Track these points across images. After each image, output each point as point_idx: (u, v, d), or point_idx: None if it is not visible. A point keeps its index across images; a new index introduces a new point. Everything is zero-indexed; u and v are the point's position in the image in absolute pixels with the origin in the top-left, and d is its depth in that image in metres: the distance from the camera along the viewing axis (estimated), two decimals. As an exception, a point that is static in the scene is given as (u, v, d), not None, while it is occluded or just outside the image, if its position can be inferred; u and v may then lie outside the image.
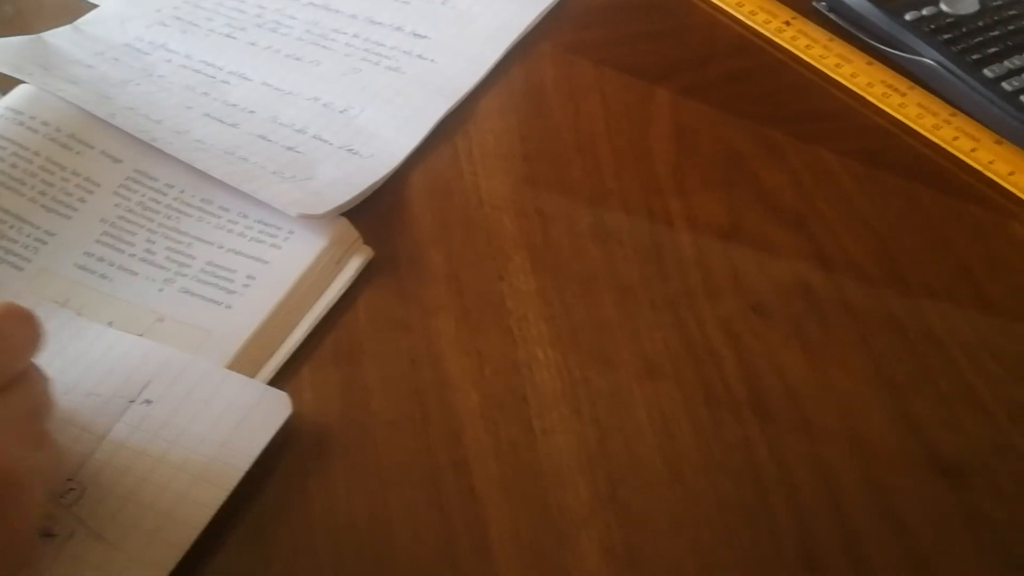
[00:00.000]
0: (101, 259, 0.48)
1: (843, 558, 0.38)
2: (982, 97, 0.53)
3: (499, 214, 0.50)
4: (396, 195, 0.51)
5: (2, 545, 0.34)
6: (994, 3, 0.58)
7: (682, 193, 0.51)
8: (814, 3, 0.61)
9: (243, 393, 0.42)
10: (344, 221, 0.49)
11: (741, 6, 0.61)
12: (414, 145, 0.53)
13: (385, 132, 0.54)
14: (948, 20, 0.57)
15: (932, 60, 0.55)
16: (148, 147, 0.51)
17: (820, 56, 0.57)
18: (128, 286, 0.47)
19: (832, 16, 0.60)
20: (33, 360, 0.38)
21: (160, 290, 0.47)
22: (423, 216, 0.50)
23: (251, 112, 0.55)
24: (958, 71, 0.54)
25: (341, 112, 0.55)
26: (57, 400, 0.39)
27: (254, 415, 0.42)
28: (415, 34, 0.61)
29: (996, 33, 0.56)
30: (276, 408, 0.42)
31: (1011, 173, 0.51)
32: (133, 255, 0.48)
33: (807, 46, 0.58)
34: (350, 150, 0.53)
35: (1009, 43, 0.55)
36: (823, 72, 0.57)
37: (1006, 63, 0.54)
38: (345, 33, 0.61)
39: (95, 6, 0.63)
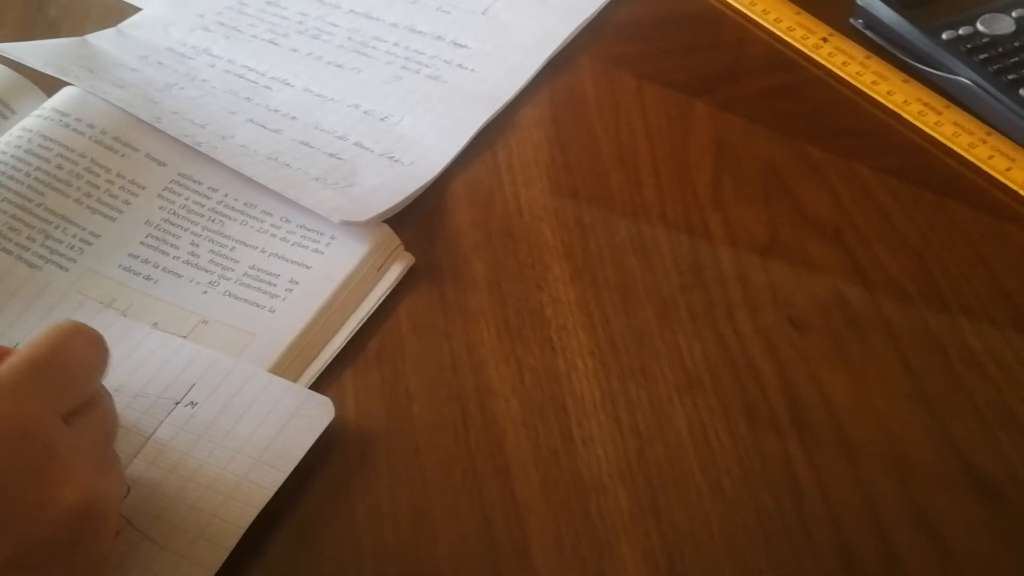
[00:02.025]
0: (146, 261, 0.48)
1: (880, 571, 0.38)
2: (1018, 117, 0.53)
3: (539, 223, 0.51)
4: (437, 203, 0.52)
5: (79, 572, 0.34)
6: (1031, 23, 0.58)
7: (721, 206, 0.51)
8: (851, 20, 0.61)
9: (287, 398, 0.43)
10: (386, 227, 0.49)
11: (779, 22, 0.61)
12: (454, 153, 0.54)
13: (426, 140, 0.55)
14: (984, 40, 0.57)
15: (968, 79, 0.56)
16: (192, 151, 0.52)
17: (857, 73, 0.58)
18: (173, 288, 0.47)
19: (869, 34, 0.60)
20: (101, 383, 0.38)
21: (204, 293, 0.47)
22: (464, 224, 0.51)
23: (293, 118, 0.56)
24: (994, 91, 0.55)
25: (382, 119, 0.56)
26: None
27: (297, 419, 0.42)
28: (456, 43, 0.61)
29: (1032, 53, 0.56)
30: (319, 413, 0.42)
31: (1047, 193, 0.51)
32: (177, 258, 0.49)
33: (844, 63, 0.58)
34: (391, 157, 0.54)
35: (1045, 64, 0.56)
36: (860, 89, 0.57)
37: (1042, 83, 0.55)
38: (386, 41, 0.61)
39: (139, 9, 0.64)
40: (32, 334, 0.36)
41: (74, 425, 0.35)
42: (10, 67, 0.56)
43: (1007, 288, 0.47)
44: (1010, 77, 0.55)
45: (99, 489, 0.34)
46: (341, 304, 0.47)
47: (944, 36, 0.57)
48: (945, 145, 0.54)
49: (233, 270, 0.48)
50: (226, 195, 0.51)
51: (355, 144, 0.54)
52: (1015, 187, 0.51)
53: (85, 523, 0.33)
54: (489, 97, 0.57)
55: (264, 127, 0.55)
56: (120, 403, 0.42)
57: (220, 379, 0.43)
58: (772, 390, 0.44)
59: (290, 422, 0.42)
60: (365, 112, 0.57)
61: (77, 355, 0.37)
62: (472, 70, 0.59)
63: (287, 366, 0.45)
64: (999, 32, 0.57)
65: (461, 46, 0.61)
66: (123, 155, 0.52)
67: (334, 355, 0.45)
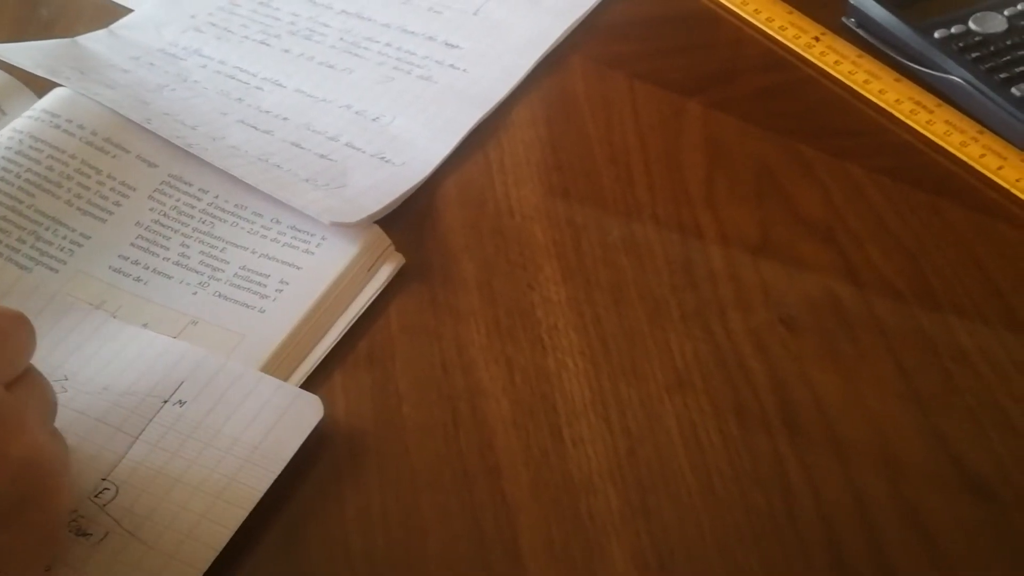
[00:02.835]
0: (136, 262, 0.48)
1: (871, 571, 0.38)
2: (1010, 115, 0.53)
3: (530, 224, 0.51)
4: (428, 203, 0.52)
5: (36, 531, 0.34)
6: (1023, 22, 0.58)
7: (713, 206, 0.51)
8: (843, 19, 0.61)
9: (276, 396, 0.43)
10: (376, 228, 0.49)
11: (771, 21, 0.61)
12: (446, 154, 0.54)
13: (417, 141, 0.54)
14: (976, 38, 0.57)
15: (960, 78, 0.56)
16: (183, 152, 0.52)
17: (849, 72, 0.58)
18: (162, 289, 0.47)
19: (861, 32, 0.60)
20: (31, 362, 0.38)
21: (194, 294, 0.47)
22: (455, 224, 0.51)
23: (284, 119, 0.56)
24: (986, 89, 0.54)
25: (374, 120, 0.56)
26: (76, 400, 0.40)
27: (287, 418, 0.42)
28: (447, 44, 0.61)
29: (1025, 52, 0.56)
30: (309, 411, 0.42)
31: (1039, 191, 0.51)
32: (167, 259, 0.49)
33: (836, 62, 0.58)
34: (383, 158, 0.53)
35: (1038, 62, 0.56)
36: (852, 88, 0.57)
37: (1034, 82, 0.55)
38: (378, 42, 0.61)
39: (130, 11, 0.64)
40: None
41: (15, 392, 0.35)
42: (1, 68, 0.56)
43: (999, 287, 0.47)
44: (1002, 76, 0.55)
45: (48, 447, 0.35)
46: (331, 305, 0.47)
47: (936, 35, 0.57)
48: (937, 144, 0.54)
49: (223, 271, 0.48)
50: (217, 196, 0.51)
51: (346, 145, 0.54)
52: (1007, 185, 0.51)
53: (35, 477, 0.34)
54: (481, 97, 0.57)
55: (255, 128, 0.55)
56: (107, 402, 0.42)
57: (209, 377, 0.43)
58: (763, 390, 0.44)
59: (280, 421, 0.42)
60: (357, 113, 0.57)
61: (6, 331, 0.37)
62: (464, 70, 0.59)
63: (277, 366, 0.44)
64: (991, 31, 0.57)
65: (453, 46, 0.61)
66: (114, 156, 0.52)
67: (324, 355, 0.45)
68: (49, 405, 0.38)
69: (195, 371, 0.43)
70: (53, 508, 0.35)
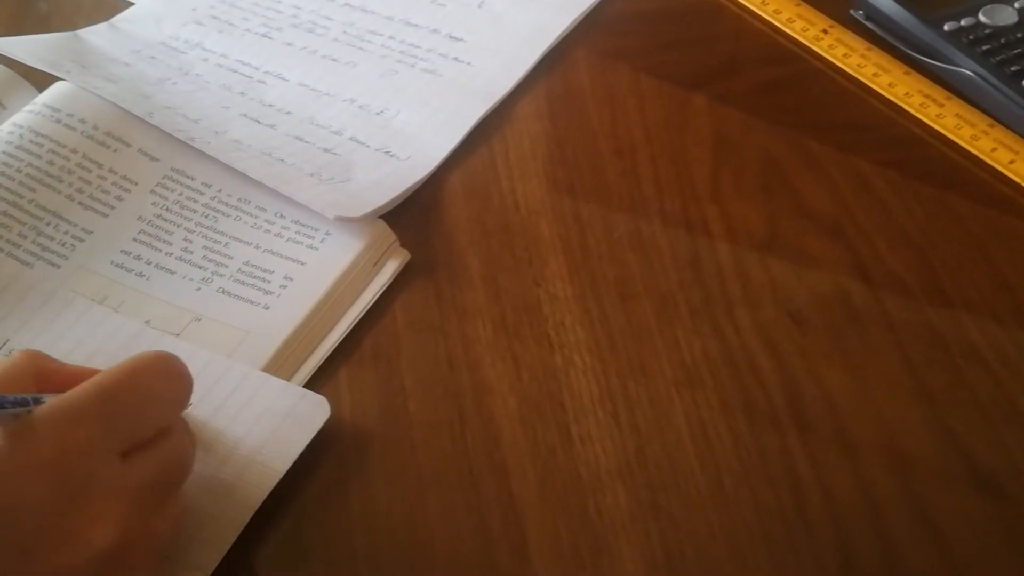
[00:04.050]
0: (138, 257, 0.48)
1: (882, 569, 0.38)
2: (1021, 109, 0.53)
3: (536, 219, 0.50)
4: (433, 198, 0.51)
5: None
6: (1033, 15, 0.57)
7: (719, 200, 0.50)
8: (851, 12, 0.60)
9: (282, 397, 0.42)
10: (381, 223, 0.49)
11: (779, 13, 0.60)
12: (451, 148, 0.53)
13: (422, 135, 0.54)
14: (987, 31, 0.56)
15: (970, 71, 0.55)
16: (185, 146, 0.51)
17: (858, 65, 0.57)
18: (165, 285, 0.47)
19: (869, 25, 0.60)
20: (182, 418, 0.38)
21: (197, 289, 0.47)
22: (460, 219, 0.50)
23: (288, 113, 0.55)
24: (996, 82, 0.54)
25: (378, 114, 0.55)
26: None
27: (292, 418, 0.42)
28: (451, 37, 0.60)
29: (1035, 45, 0.56)
30: (315, 412, 0.42)
31: (1050, 186, 0.51)
32: (170, 254, 0.48)
33: (845, 55, 0.58)
34: (387, 152, 0.53)
35: (1048, 55, 0.55)
36: (861, 81, 0.57)
37: (1045, 75, 0.54)
38: (381, 35, 0.61)
39: (131, 4, 0.64)
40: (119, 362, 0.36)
41: (131, 461, 0.34)
42: (1, 62, 0.55)
43: (1009, 282, 0.47)
44: (1013, 69, 0.54)
45: (137, 532, 0.33)
46: (336, 301, 0.46)
47: (946, 27, 0.57)
48: (947, 137, 0.53)
49: (227, 266, 0.48)
50: (220, 191, 0.50)
51: (351, 139, 0.54)
52: (1018, 180, 0.51)
53: (114, 566, 0.33)
54: (485, 91, 0.57)
55: (258, 122, 0.55)
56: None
57: (215, 379, 0.43)
58: (772, 386, 0.43)
59: (285, 422, 0.41)
60: (361, 107, 0.56)
61: (152, 388, 0.36)
62: (468, 64, 0.59)
63: (281, 363, 0.44)
64: (1001, 23, 0.57)
65: (457, 39, 0.60)
66: (115, 151, 0.51)
67: (329, 352, 0.45)
68: (171, 472, 0.36)
69: (201, 373, 0.43)
70: None
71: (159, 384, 0.36)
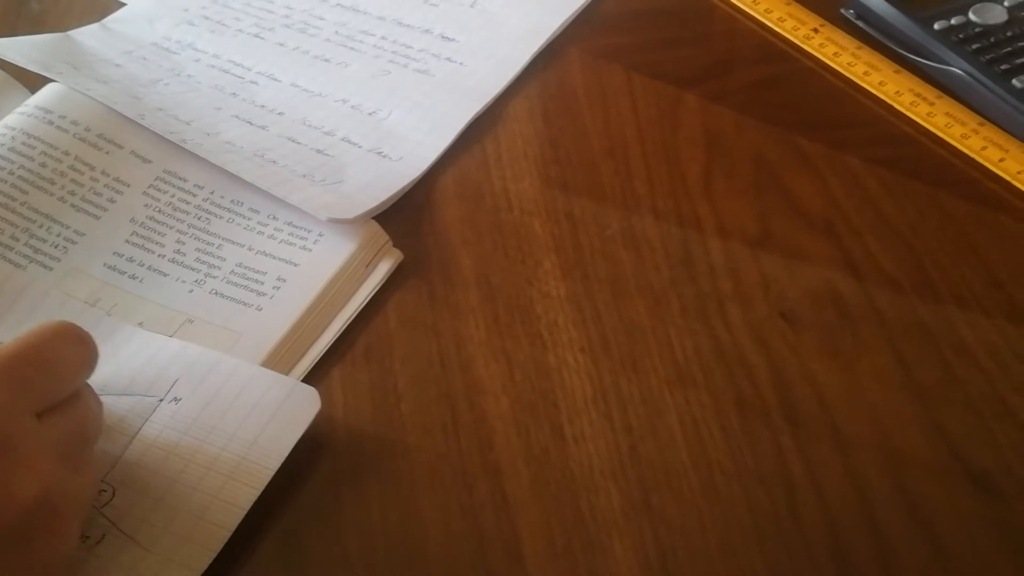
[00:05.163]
0: (131, 259, 0.48)
1: (875, 567, 0.38)
2: (1011, 107, 0.53)
3: (529, 218, 0.50)
4: (425, 198, 0.51)
5: (37, 569, 0.34)
6: (1023, 13, 0.57)
7: (711, 199, 0.51)
8: (842, 11, 0.61)
9: (272, 389, 0.42)
10: (374, 224, 0.49)
11: (770, 12, 0.60)
12: (443, 148, 0.53)
13: (414, 135, 0.54)
14: (977, 30, 0.57)
15: (960, 70, 0.55)
16: (178, 147, 0.51)
17: (848, 64, 0.57)
18: (158, 287, 0.47)
19: (860, 24, 0.60)
20: (87, 383, 0.38)
21: (190, 291, 0.47)
22: (453, 219, 0.50)
23: (280, 114, 0.55)
24: (986, 81, 0.54)
25: (370, 114, 0.56)
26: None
27: (284, 411, 0.42)
28: (443, 36, 0.61)
29: (1025, 43, 0.56)
30: (305, 403, 0.42)
31: (1040, 183, 0.51)
32: (163, 256, 0.48)
33: (835, 54, 0.58)
34: (379, 153, 0.53)
35: (1038, 53, 0.56)
36: (851, 80, 0.57)
37: (1035, 73, 0.54)
38: (373, 35, 0.61)
39: (123, 4, 0.64)
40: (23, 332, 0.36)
41: (45, 421, 0.35)
42: (-8, 64, 0.55)
43: (1000, 279, 0.47)
44: (1003, 67, 0.54)
45: (61, 485, 0.34)
46: (329, 301, 0.46)
47: (936, 26, 0.57)
48: (937, 136, 0.54)
49: (220, 268, 0.48)
50: (212, 192, 0.50)
51: (343, 140, 0.54)
52: (1008, 177, 0.51)
53: (41, 518, 0.33)
54: (478, 91, 0.57)
55: (250, 123, 0.55)
56: (105, 403, 0.41)
57: (204, 373, 0.43)
58: (764, 384, 0.43)
59: (276, 414, 0.41)
60: (353, 107, 0.56)
61: (60, 353, 0.37)
62: (461, 64, 0.59)
63: (274, 364, 0.44)
64: (991, 22, 0.57)
65: (449, 39, 0.60)
66: (107, 152, 0.51)
67: (322, 353, 0.45)
68: (84, 431, 0.37)
69: (190, 367, 0.43)
70: (56, 549, 0.34)
71: (66, 349, 0.37)
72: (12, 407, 0.34)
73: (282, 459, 0.40)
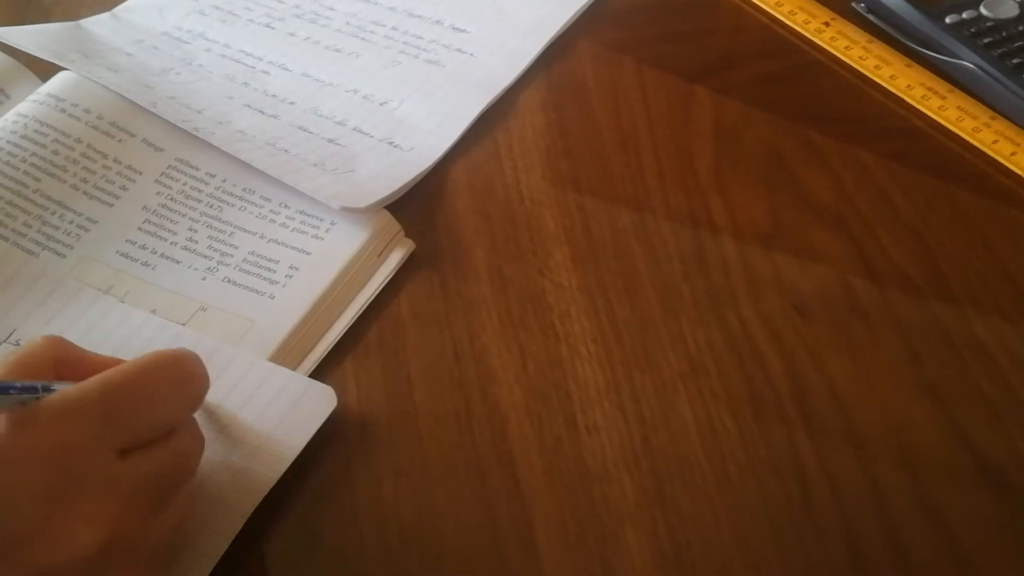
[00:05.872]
0: (144, 247, 0.48)
1: (887, 558, 0.38)
2: (1022, 101, 0.53)
3: (540, 209, 0.50)
4: (437, 188, 0.51)
5: None
6: (1034, 8, 0.58)
7: (723, 192, 0.51)
8: (853, 4, 0.60)
9: (289, 386, 0.42)
10: (386, 213, 0.49)
11: (780, 6, 0.60)
12: (454, 139, 0.53)
13: (425, 125, 0.54)
14: (988, 24, 0.57)
15: (971, 63, 0.55)
16: (189, 136, 0.51)
17: (859, 57, 0.57)
18: (171, 274, 0.47)
19: (871, 18, 0.60)
20: (192, 420, 0.37)
21: (203, 279, 0.47)
22: (464, 210, 0.50)
23: (291, 103, 0.55)
24: (998, 75, 0.54)
25: (381, 104, 0.55)
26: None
27: (299, 408, 0.42)
28: (454, 27, 0.61)
29: (1036, 38, 0.56)
30: (321, 402, 0.42)
31: (1052, 178, 0.51)
32: (175, 243, 0.48)
33: (846, 47, 0.58)
34: (391, 143, 0.53)
35: (1049, 48, 0.56)
36: (862, 73, 0.57)
37: (1046, 68, 0.54)
38: (384, 25, 0.61)
39: (133, -7, 0.63)
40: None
41: (129, 460, 0.33)
42: (4, 52, 0.55)
43: (1012, 274, 0.47)
44: (1014, 61, 0.54)
45: (131, 532, 0.33)
46: (341, 291, 0.46)
47: (948, 20, 0.57)
48: (948, 130, 0.54)
49: (232, 256, 0.48)
50: (224, 180, 0.50)
51: (354, 129, 0.54)
52: (1019, 171, 0.51)
53: (100, 568, 0.32)
54: (489, 82, 0.57)
55: (262, 112, 0.55)
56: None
57: (222, 367, 0.43)
58: (777, 377, 0.43)
59: (292, 411, 0.41)
60: (364, 97, 0.56)
61: (159, 387, 0.35)
62: (471, 54, 0.59)
63: (287, 353, 0.44)
64: (1003, 16, 0.57)
65: (460, 30, 0.60)
66: (120, 140, 0.51)
67: (335, 342, 0.45)
68: (172, 473, 0.36)
69: (207, 361, 0.43)
70: None
71: (167, 385, 0.36)
72: (92, 441, 0.32)
73: (297, 452, 0.40)
